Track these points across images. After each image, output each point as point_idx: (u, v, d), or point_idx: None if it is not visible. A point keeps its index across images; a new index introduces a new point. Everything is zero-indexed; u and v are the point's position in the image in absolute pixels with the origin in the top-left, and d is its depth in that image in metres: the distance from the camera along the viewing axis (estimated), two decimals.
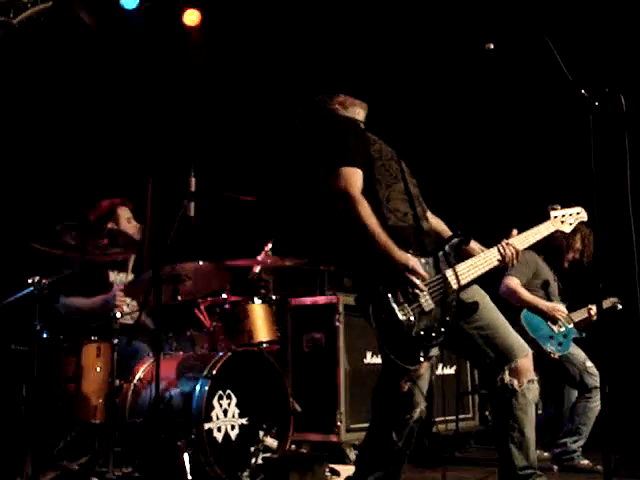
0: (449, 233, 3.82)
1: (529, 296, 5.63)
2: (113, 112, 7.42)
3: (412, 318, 3.35)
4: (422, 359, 3.44)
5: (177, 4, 7.88)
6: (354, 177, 3.50)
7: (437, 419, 6.25)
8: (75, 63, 7.10)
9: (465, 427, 6.81)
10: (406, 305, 3.36)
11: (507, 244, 3.70)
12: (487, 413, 6.99)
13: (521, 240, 3.79)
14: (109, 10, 7.50)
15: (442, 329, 3.42)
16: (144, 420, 4.66)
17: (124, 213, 5.59)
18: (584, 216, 4.11)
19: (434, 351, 3.58)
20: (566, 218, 4.01)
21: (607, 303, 5.88)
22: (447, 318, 3.44)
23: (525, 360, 3.52)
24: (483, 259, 3.64)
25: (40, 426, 4.61)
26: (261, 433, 4.80)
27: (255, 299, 5.31)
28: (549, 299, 5.71)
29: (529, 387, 3.50)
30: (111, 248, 5.02)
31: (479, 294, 3.60)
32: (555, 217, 3.99)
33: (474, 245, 3.74)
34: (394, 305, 3.34)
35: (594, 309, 5.72)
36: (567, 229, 4.05)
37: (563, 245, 5.77)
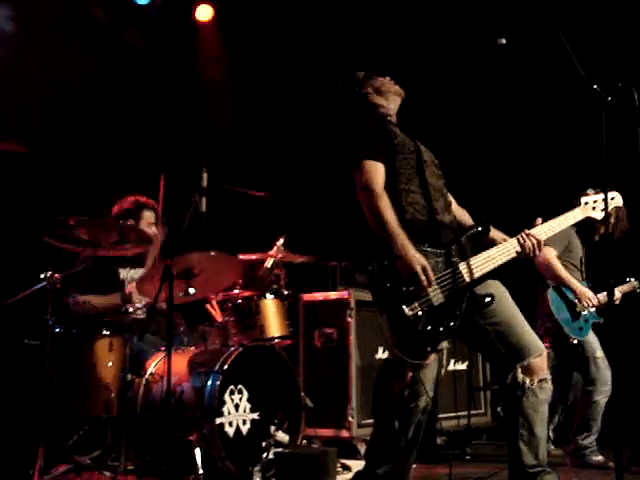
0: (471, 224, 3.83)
1: (564, 273, 5.54)
2: (125, 108, 7.43)
3: (419, 313, 3.36)
4: (428, 354, 3.45)
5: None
6: (376, 172, 3.53)
7: (449, 415, 6.25)
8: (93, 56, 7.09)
9: (477, 423, 6.80)
10: (414, 300, 3.36)
11: (527, 235, 3.67)
12: (499, 409, 6.97)
13: (545, 229, 3.75)
14: (121, 5, 7.53)
15: (451, 324, 3.41)
16: (156, 415, 4.68)
17: (148, 216, 5.59)
18: (619, 201, 4.02)
19: (443, 344, 3.58)
20: (598, 204, 3.90)
21: (626, 288, 5.85)
22: (457, 312, 3.43)
23: (539, 359, 3.50)
24: (500, 251, 3.61)
25: (53, 420, 4.63)
26: (272, 428, 4.80)
27: (267, 294, 5.32)
28: (581, 279, 5.68)
29: (541, 386, 3.48)
30: (123, 243, 5.03)
31: (497, 288, 3.57)
32: (586, 203, 3.91)
33: (496, 235, 3.74)
34: (401, 299, 3.36)
35: (617, 293, 5.68)
36: (599, 216, 3.94)
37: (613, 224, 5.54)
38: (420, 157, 3.67)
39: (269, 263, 5.70)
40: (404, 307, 3.35)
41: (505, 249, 3.63)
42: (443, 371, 3.80)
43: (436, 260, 3.45)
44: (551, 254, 5.53)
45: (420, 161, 3.65)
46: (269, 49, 8.13)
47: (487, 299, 3.48)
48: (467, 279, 3.48)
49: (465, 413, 6.41)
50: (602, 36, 7.09)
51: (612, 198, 3.97)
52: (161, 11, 7.75)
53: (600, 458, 5.40)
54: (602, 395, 5.39)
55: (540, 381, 3.48)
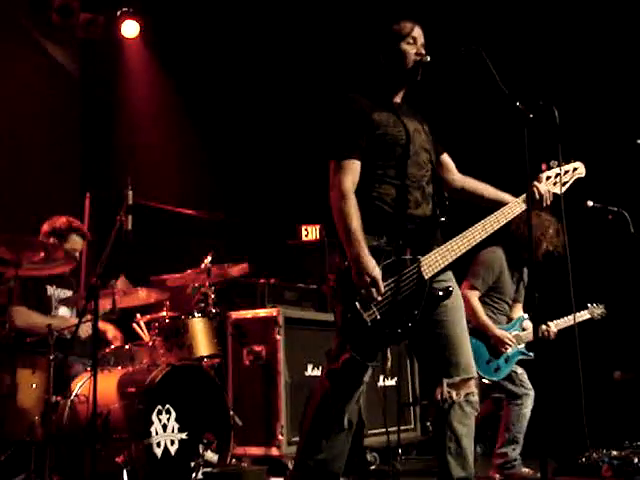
0: (485, 192, 3.86)
1: (483, 318, 5.43)
2: (53, 125, 7.34)
3: (378, 317, 3.37)
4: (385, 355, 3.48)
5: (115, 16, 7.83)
6: (348, 171, 3.52)
7: (379, 430, 6.26)
8: None
9: (407, 438, 6.83)
10: (372, 304, 3.37)
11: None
12: (428, 424, 7.02)
13: (511, 208, 3.72)
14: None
15: (409, 324, 3.42)
16: (82, 437, 4.59)
17: (76, 241, 5.50)
18: (582, 172, 3.92)
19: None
20: (559, 178, 3.80)
21: (585, 314, 5.81)
22: (415, 312, 3.43)
23: (468, 381, 3.53)
24: (460, 241, 3.58)
25: None
26: (201, 447, 4.75)
27: (195, 313, 5.28)
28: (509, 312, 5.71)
29: (468, 399, 3.52)
30: (47, 263, 4.94)
31: (454, 292, 3.57)
32: (547, 178, 3.81)
33: (504, 196, 3.78)
34: (358, 304, 3.36)
35: (552, 328, 5.63)
36: (558, 190, 3.80)
37: (536, 238, 5.39)
38: (407, 148, 3.61)
39: (196, 282, 5.66)
40: (362, 312, 3.35)
41: (466, 240, 3.60)
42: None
43: (392, 258, 3.45)
44: (474, 297, 5.44)
45: (405, 152, 3.61)
46: (200, 60, 8.13)
47: (441, 293, 3.50)
48: (425, 276, 3.48)
49: (395, 429, 6.43)
50: (524, 55, 7.25)
51: (575, 169, 3.91)
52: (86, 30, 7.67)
53: (527, 470, 5.46)
54: (529, 408, 5.45)
55: (467, 394, 3.51)
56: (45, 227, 5.46)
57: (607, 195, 5.50)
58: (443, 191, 3.77)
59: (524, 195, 3.71)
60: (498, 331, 5.46)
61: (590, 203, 5.34)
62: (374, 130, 3.60)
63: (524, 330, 5.59)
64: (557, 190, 3.82)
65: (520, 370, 5.53)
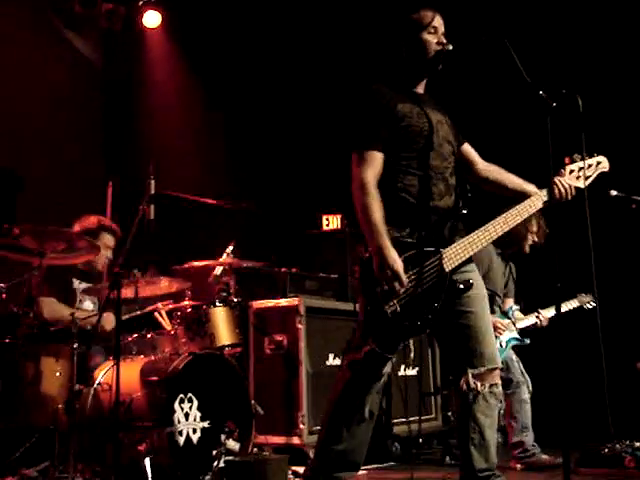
0: (509, 182, 3.84)
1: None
2: (76, 114, 7.37)
3: (398, 309, 3.36)
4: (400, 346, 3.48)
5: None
6: (370, 163, 3.52)
7: (400, 420, 6.26)
8: None
9: (428, 428, 6.83)
10: (392, 296, 3.36)
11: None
12: (449, 414, 7.01)
13: (533, 201, 3.72)
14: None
15: (429, 316, 3.41)
16: (105, 425, 4.62)
17: (107, 239, 5.54)
18: (606, 166, 3.88)
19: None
20: (582, 172, 3.76)
21: (574, 303, 5.83)
22: (435, 305, 3.42)
23: (492, 372, 3.53)
24: (482, 234, 3.58)
25: None
26: (223, 436, 4.76)
27: (216, 302, 5.29)
28: (501, 304, 5.72)
29: (492, 390, 3.51)
30: (71, 252, 4.97)
31: (475, 285, 3.55)
32: (571, 172, 3.79)
33: (528, 187, 3.77)
34: (379, 297, 3.36)
35: (543, 314, 5.69)
36: (582, 185, 3.77)
37: (519, 231, 5.51)
38: (430, 140, 3.61)
39: (218, 271, 5.68)
40: (383, 304, 3.35)
41: (488, 233, 3.60)
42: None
43: (414, 251, 3.45)
44: None
45: (429, 143, 3.60)
46: (222, 50, 8.13)
47: (462, 286, 3.49)
48: (447, 268, 3.47)
49: (416, 418, 6.44)
50: (548, 43, 7.20)
51: (598, 163, 3.87)
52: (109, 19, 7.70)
53: (547, 457, 5.44)
54: (527, 394, 5.47)
55: (491, 386, 3.50)
56: (76, 227, 5.51)
57: (631, 184, 5.46)
58: (465, 183, 3.76)
59: (547, 189, 3.69)
60: (494, 317, 5.47)
61: (613, 192, 5.31)
62: (398, 122, 3.58)
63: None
64: (580, 184, 3.79)
65: (515, 358, 5.57)
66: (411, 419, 6.28)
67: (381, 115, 3.58)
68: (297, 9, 8.14)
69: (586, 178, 3.78)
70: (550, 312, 5.69)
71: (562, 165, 3.80)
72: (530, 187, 3.80)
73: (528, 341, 5.64)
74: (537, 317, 5.68)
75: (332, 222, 7.14)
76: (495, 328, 5.43)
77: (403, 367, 6.32)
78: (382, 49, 3.96)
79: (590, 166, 3.82)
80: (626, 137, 6.82)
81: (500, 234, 3.64)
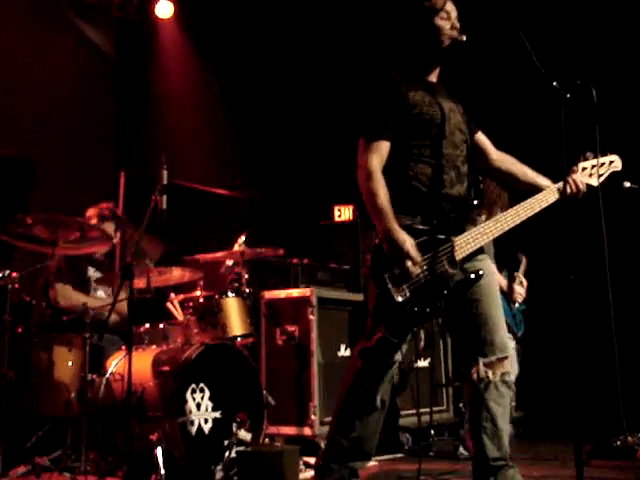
0: (522, 175, 3.84)
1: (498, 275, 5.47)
2: (89, 105, 7.38)
3: (407, 294, 3.36)
4: (411, 332, 3.47)
5: None
6: (376, 151, 3.52)
7: (411, 412, 6.26)
8: None
9: (439, 419, 6.83)
10: (402, 282, 3.36)
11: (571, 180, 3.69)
12: (461, 405, 7.01)
13: (546, 196, 3.70)
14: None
15: (438, 303, 3.41)
16: (117, 414, 4.64)
17: (109, 228, 5.55)
18: (618, 165, 3.86)
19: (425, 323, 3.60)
20: (595, 170, 3.75)
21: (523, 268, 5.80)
22: (445, 291, 3.43)
23: (503, 360, 3.51)
24: (494, 225, 3.58)
25: (11, 421, 4.57)
26: (234, 426, 4.77)
27: (228, 293, 5.30)
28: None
29: (504, 379, 3.50)
30: (83, 242, 4.99)
31: (486, 274, 3.54)
32: (583, 169, 3.77)
33: (542, 181, 3.76)
34: (389, 282, 3.35)
35: (521, 277, 5.66)
36: (595, 182, 3.76)
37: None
38: (442, 128, 3.60)
39: (230, 261, 5.68)
40: (392, 289, 3.34)
41: (499, 223, 3.58)
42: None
43: (425, 238, 3.44)
44: None
45: (441, 131, 3.60)
46: (234, 41, 8.12)
47: (473, 275, 3.48)
48: (457, 257, 3.47)
49: (427, 410, 6.43)
50: (562, 34, 7.16)
51: (611, 162, 3.85)
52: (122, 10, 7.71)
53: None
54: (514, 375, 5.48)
55: (502, 374, 3.50)
56: (88, 212, 5.54)
57: None
58: (477, 172, 3.75)
59: (560, 183, 3.68)
60: (513, 285, 5.54)
61: (627, 184, 5.28)
62: (410, 110, 3.58)
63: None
64: (593, 182, 3.79)
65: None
66: (422, 410, 6.28)
67: (392, 103, 3.58)
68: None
69: (599, 176, 3.77)
70: (521, 270, 5.69)
71: (576, 159, 3.78)
72: (544, 181, 3.79)
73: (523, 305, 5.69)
74: (520, 282, 5.63)
75: (344, 213, 7.13)
76: (515, 294, 5.46)
77: (414, 358, 6.32)
78: (394, 37, 3.95)
79: (603, 164, 3.81)
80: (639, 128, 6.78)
81: (512, 226, 3.63)
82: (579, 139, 3.63)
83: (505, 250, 5.14)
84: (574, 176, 3.73)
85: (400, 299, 3.35)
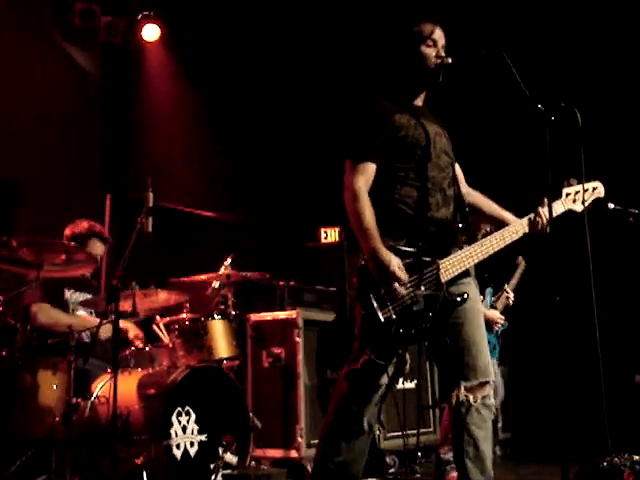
0: (487, 209, 3.87)
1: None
2: (75, 129, 7.38)
3: (393, 316, 3.35)
4: (396, 355, 3.46)
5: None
6: (362, 173, 3.52)
7: (398, 433, 6.25)
8: None
9: (426, 441, 6.81)
10: (388, 303, 3.36)
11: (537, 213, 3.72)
12: None
13: (523, 224, 3.73)
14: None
15: (423, 325, 3.41)
16: (102, 438, 4.60)
17: (97, 246, 5.52)
18: (601, 192, 3.90)
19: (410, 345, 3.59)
20: (579, 195, 3.77)
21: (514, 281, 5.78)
22: (430, 314, 3.42)
23: (484, 384, 3.52)
24: (478, 249, 3.59)
25: None
26: (221, 449, 4.76)
27: (214, 315, 5.29)
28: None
29: (485, 403, 3.50)
30: (69, 265, 4.96)
31: (470, 298, 3.54)
32: (567, 195, 3.81)
33: (506, 215, 3.78)
34: (374, 303, 3.35)
35: (509, 291, 5.64)
36: (579, 208, 3.80)
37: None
38: (427, 151, 3.61)
39: (216, 284, 5.68)
40: (378, 310, 3.34)
41: (484, 247, 3.60)
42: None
43: (411, 259, 3.45)
44: None
45: (426, 154, 3.61)
46: (220, 64, 8.15)
47: (459, 298, 3.49)
48: (442, 279, 3.48)
49: (414, 432, 6.42)
50: (546, 56, 7.22)
51: (594, 188, 3.89)
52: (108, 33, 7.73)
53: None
54: (499, 399, 5.44)
55: (484, 398, 3.50)
56: (67, 231, 5.50)
57: (628, 197, 5.47)
58: (462, 195, 3.76)
59: (528, 218, 3.72)
60: (488, 312, 5.45)
61: (611, 205, 5.31)
62: (395, 132, 3.59)
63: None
64: (577, 207, 3.83)
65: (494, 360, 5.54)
66: (408, 432, 6.27)
67: (378, 125, 3.59)
68: (296, 22, 8.16)
69: (583, 202, 3.81)
70: (512, 283, 5.68)
71: (561, 182, 3.81)
72: (508, 215, 3.83)
73: (507, 325, 5.65)
74: (507, 297, 5.62)
75: (330, 235, 7.14)
76: (495, 323, 5.44)
77: (401, 380, 6.31)
78: (381, 61, 3.97)
79: (586, 190, 3.83)
80: (624, 150, 6.83)
81: (496, 249, 3.65)
82: (564, 161, 3.66)
83: (491, 269, 5.15)
84: (542, 210, 3.75)
85: (385, 319, 3.35)
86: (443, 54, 3.65)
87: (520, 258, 5.81)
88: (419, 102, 3.79)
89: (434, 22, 3.71)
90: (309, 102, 8.30)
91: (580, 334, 5.54)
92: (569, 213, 3.81)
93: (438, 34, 3.69)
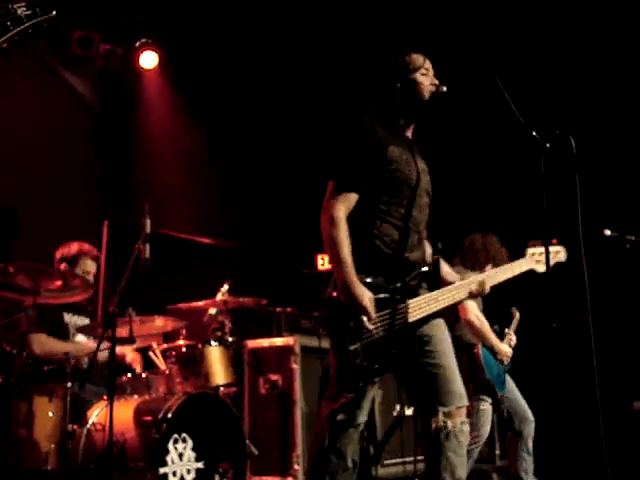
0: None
1: (489, 332, 5.36)
2: (72, 155, 7.40)
3: (359, 348, 3.35)
4: (361, 388, 3.47)
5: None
6: (343, 201, 3.48)
7: (395, 460, 6.21)
8: None
9: (424, 468, 6.76)
10: (357, 335, 3.35)
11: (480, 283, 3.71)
12: None
13: (491, 277, 3.76)
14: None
15: (387, 360, 3.43)
16: (98, 465, 4.58)
17: (88, 265, 5.52)
18: (562, 257, 3.98)
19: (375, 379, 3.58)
20: (543, 257, 3.82)
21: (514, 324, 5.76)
22: (394, 350, 3.43)
23: (460, 408, 3.49)
24: (447, 293, 3.60)
25: None
26: (217, 477, 4.74)
27: (211, 341, 5.28)
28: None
29: (462, 429, 3.47)
30: (65, 291, 4.96)
31: (439, 329, 3.55)
32: (532, 254, 3.90)
33: (450, 275, 3.76)
34: (343, 333, 3.36)
35: (512, 333, 5.64)
36: (541, 269, 3.88)
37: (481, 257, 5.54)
38: (415, 190, 3.58)
39: (213, 310, 5.68)
40: (346, 341, 3.35)
41: (451, 293, 3.61)
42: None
43: (383, 296, 3.43)
44: (477, 310, 5.33)
45: (413, 193, 3.57)
46: (218, 90, 8.19)
47: (425, 339, 3.48)
48: (409, 318, 3.46)
49: (411, 459, 6.38)
50: (541, 83, 7.26)
51: (557, 252, 3.96)
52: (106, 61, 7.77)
53: None
54: (530, 437, 5.41)
55: (461, 423, 3.47)
56: (57, 254, 5.51)
57: (624, 224, 5.49)
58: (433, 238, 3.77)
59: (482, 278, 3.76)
60: (499, 344, 5.43)
61: (607, 232, 5.33)
62: (386, 165, 3.53)
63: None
64: (540, 268, 3.92)
65: (529, 410, 5.51)
66: (406, 459, 6.24)
67: (370, 155, 3.53)
68: (292, 49, 8.20)
69: (546, 264, 3.76)
70: (513, 326, 5.68)
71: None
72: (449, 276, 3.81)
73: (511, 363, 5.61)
74: (509, 340, 5.61)
75: (327, 262, 7.14)
76: (507, 356, 5.43)
77: (398, 406, 6.29)
78: (372, 90, 3.95)
79: (550, 253, 3.81)
80: (619, 177, 6.86)
81: (463, 298, 3.69)
82: (559, 188, 3.67)
83: (496, 304, 5.14)
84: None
85: (352, 351, 3.35)
86: (437, 82, 3.66)
87: (514, 309, 5.83)
88: (409, 134, 3.75)
89: (422, 54, 3.72)
90: (307, 131, 8.33)
91: (577, 361, 5.55)
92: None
93: (429, 64, 3.70)
